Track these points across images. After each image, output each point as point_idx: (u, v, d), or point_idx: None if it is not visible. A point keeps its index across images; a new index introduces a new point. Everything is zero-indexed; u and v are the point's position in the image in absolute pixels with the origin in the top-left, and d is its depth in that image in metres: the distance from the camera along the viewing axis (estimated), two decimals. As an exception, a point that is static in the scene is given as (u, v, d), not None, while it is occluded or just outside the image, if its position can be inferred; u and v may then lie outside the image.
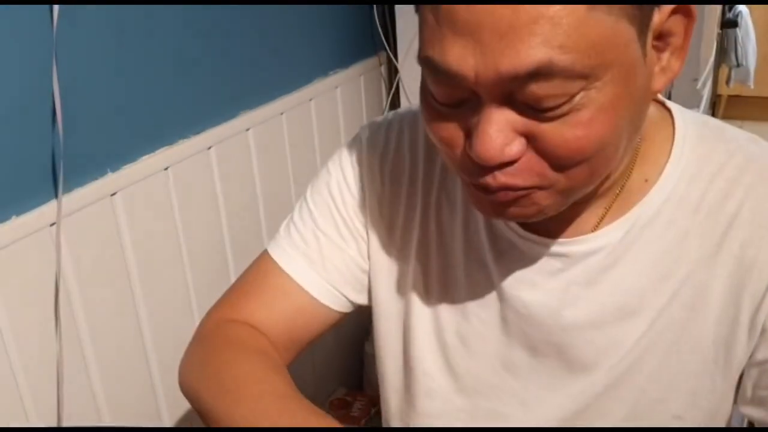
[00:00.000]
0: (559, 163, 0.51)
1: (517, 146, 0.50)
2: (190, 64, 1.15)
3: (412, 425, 0.76)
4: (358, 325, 1.75)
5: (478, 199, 0.57)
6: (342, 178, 0.74)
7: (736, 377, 0.63)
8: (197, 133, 1.18)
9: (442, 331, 0.70)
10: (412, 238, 0.72)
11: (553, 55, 0.46)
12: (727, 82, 2.92)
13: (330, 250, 0.73)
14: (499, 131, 0.49)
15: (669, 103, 0.66)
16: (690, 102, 1.57)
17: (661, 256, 0.62)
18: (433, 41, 0.50)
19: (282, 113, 1.37)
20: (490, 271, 0.67)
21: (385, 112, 1.76)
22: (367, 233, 0.73)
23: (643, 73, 0.52)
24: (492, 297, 0.67)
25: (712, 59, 1.77)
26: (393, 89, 1.68)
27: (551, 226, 0.64)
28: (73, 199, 0.96)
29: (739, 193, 0.60)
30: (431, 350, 0.71)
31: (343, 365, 1.78)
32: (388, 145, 0.73)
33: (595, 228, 0.63)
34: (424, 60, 0.51)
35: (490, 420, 0.70)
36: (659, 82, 0.54)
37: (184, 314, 1.18)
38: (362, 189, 0.73)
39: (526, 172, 0.52)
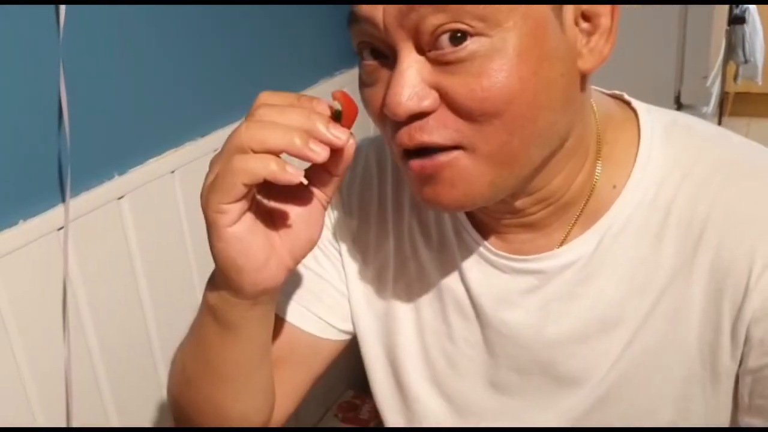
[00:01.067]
0: (470, 116, 0.51)
1: (427, 99, 0.51)
2: (195, 66, 1.15)
3: None
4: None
5: (410, 181, 0.57)
6: None
7: (728, 383, 0.60)
8: (203, 135, 1.17)
9: (430, 355, 0.69)
10: (388, 263, 0.71)
11: None
12: (735, 78, 2.90)
13: (310, 280, 0.72)
14: (408, 81, 0.51)
15: (635, 103, 0.64)
16: (700, 99, 1.56)
17: (637, 266, 0.60)
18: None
19: (287, 115, 1.36)
20: (469, 292, 0.66)
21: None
22: (342, 260, 0.73)
23: (557, 37, 0.52)
24: (473, 319, 0.66)
25: (720, 56, 1.75)
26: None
27: (522, 243, 0.63)
28: (80, 202, 0.96)
29: (710, 196, 0.58)
30: (421, 375, 0.70)
31: (350, 368, 1.77)
32: (355, 169, 0.73)
33: (566, 239, 0.62)
34: (348, 18, 0.55)
35: None
36: (588, 63, 0.55)
37: (191, 316, 1.18)
38: (333, 216, 0.73)
39: (440, 127, 0.52)
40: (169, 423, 1.15)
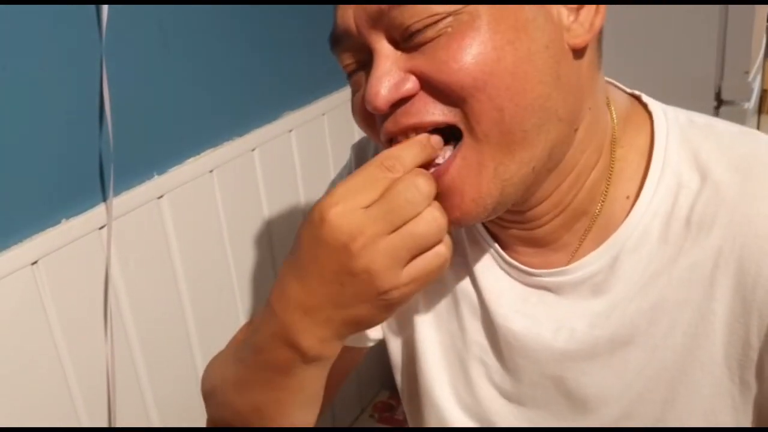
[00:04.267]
0: (451, 93, 0.50)
1: (406, 83, 0.51)
2: (233, 66, 1.16)
3: None
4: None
5: None
6: None
7: (761, 392, 0.56)
8: (241, 135, 1.18)
9: (449, 364, 0.68)
10: None
11: None
12: (776, 75, 2.83)
13: None
14: (382, 72, 0.51)
15: (651, 105, 0.60)
16: (741, 95, 1.53)
17: (653, 281, 0.57)
18: (333, 22, 0.55)
19: (324, 114, 1.37)
20: (481, 297, 0.64)
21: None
22: None
23: (534, 9, 0.51)
24: (486, 324, 0.65)
25: (762, 52, 1.71)
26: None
27: (533, 258, 0.61)
28: (121, 201, 0.97)
29: (730, 200, 0.54)
30: (441, 384, 0.69)
31: (386, 369, 1.76)
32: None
33: (577, 253, 0.59)
34: (330, 41, 0.56)
35: None
36: (578, 37, 0.53)
37: (229, 314, 1.19)
38: None
39: (423, 109, 0.51)
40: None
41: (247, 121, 1.20)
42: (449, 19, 0.49)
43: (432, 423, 0.71)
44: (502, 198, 0.53)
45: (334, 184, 0.74)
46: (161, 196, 1.03)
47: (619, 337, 0.58)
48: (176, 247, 1.06)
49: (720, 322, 0.55)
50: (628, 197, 0.58)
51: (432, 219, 0.48)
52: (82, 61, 0.91)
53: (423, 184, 0.48)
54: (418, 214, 0.48)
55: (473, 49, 0.49)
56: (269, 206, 1.25)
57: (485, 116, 0.50)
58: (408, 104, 0.51)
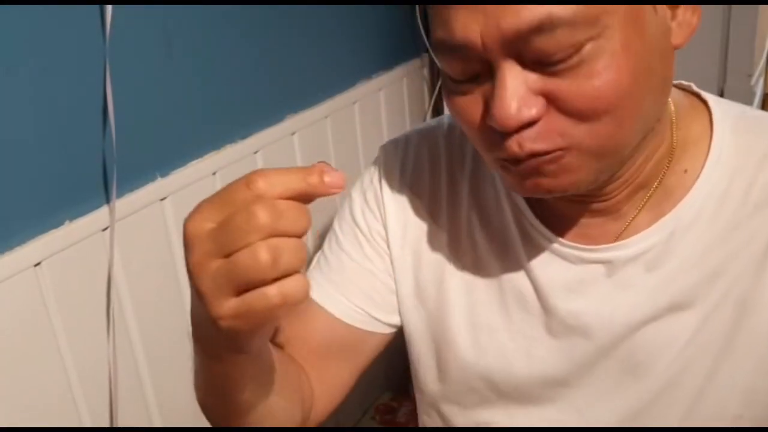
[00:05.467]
0: (581, 117, 0.50)
1: (535, 106, 0.50)
2: (236, 68, 1.16)
3: None
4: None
5: (510, 178, 0.56)
6: (364, 202, 0.73)
7: None
8: (244, 137, 1.19)
9: (482, 351, 0.68)
10: (442, 258, 0.70)
11: (553, 9, 0.47)
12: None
13: (354, 272, 0.72)
14: (515, 92, 0.50)
15: (705, 94, 0.64)
16: (743, 99, 1.52)
17: (709, 254, 0.59)
18: (439, 22, 0.52)
19: (326, 117, 1.37)
20: (532, 283, 0.65)
21: (428, 115, 1.76)
22: (391, 254, 0.72)
23: (654, 21, 0.51)
24: (537, 311, 0.65)
25: (765, 55, 1.71)
26: (436, 91, 1.67)
27: (588, 228, 0.63)
28: (124, 203, 0.97)
29: None
30: (474, 372, 0.69)
31: (388, 370, 1.77)
32: (406, 163, 0.72)
33: (632, 223, 0.61)
34: (436, 44, 0.53)
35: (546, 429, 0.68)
36: (679, 37, 0.54)
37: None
38: (383, 212, 0.72)
39: (550, 133, 0.51)
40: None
41: (249, 123, 1.20)
42: (588, 46, 0.49)
43: (454, 418, 0.71)
44: (595, 183, 0.56)
45: (359, 187, 0.74)
46: (164, 198, 1.04)
47: (672, 307, 0.60)
48: (179, 249, 1.06)
49: None
50: (686, 171, 0.60)
51: (253, 255, 0.41)
52: (85, 63, 0.91)
53: (262, 216, 0.41)
54: (248, 245, 0.42)
55: (610, 75, 0.49)
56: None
57: (603, 133, 0.52)
58: (533, 128, 0.51)
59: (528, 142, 0.51)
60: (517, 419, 0.69)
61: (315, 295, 0.72)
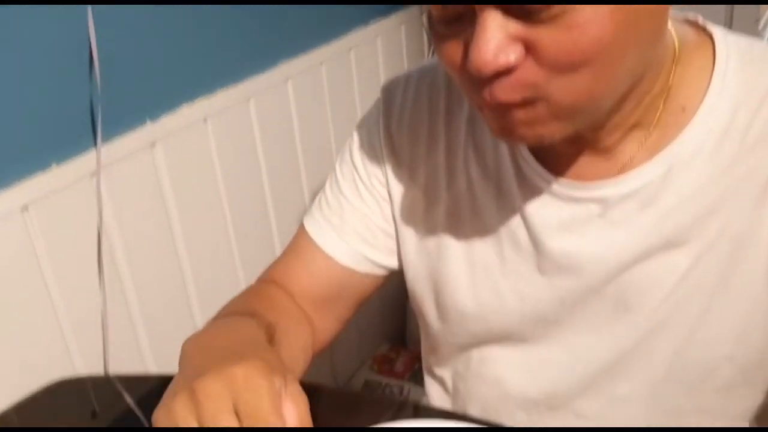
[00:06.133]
0: (557, 68, 0.48)
1: (513, 53, 0.48)
2: (228, 11, 1.13)
3: (464, 379, 0.74)
4: (401, 281, 1.74)
5: (489, 122, 0.55)
6: (362, 143, 0.73)
7: None
8: (236, 82, 1.16)
9: (478, 291, 0.68)
10: (439, 199, 0.69)
11: None
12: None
13: (352, 215, 0.73)
14: (492, 37, 0.48)
15: (711, 27, 0.61)
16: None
17: (707, 189, 0.58)
18: None
19: (321, 63, 1.34)
20: (525, 223, 0.65)
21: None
22: (390, 195, 0.72)
23: None
24: (529, 251, 0.65)
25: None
26: (435, 39, 1.63)
27: (584, 167, 0.61)
28: (113, 148, 0.95)
29: None
30: (470, 312, 0.69)
31: (385, 321, 1.77)
32: (405, 103, 0.71)
33: (629, 163, 0.60)
34: None
35: (538, 366, 0.68)
36: None
37: (225, 262, 1.19)
38: (381, 151, 0.72)
39: (523, 84, 0.49)
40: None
41: (242, 68, 1.17)
42: None
43: (454, 357, 0.72)
44: (570, 133, 0.54)
45: (361, 127, 0.74)
46: (154, 144, 1.02)
47: (666, 245, 0.60)
48: (171, 196, 1.05)
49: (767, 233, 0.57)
50: (684, 110, 0.58)
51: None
52: (70, 5, 0.88)
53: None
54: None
55: (593, 29, 0.47)
56: (266, 157, 1.24)
57: (580, 86, 0.50)
58: (508, 77, 0.49)
59: (498, 91, 0.50)
60: (509, 357, 0.69)
61: (316, 237, 0.73)
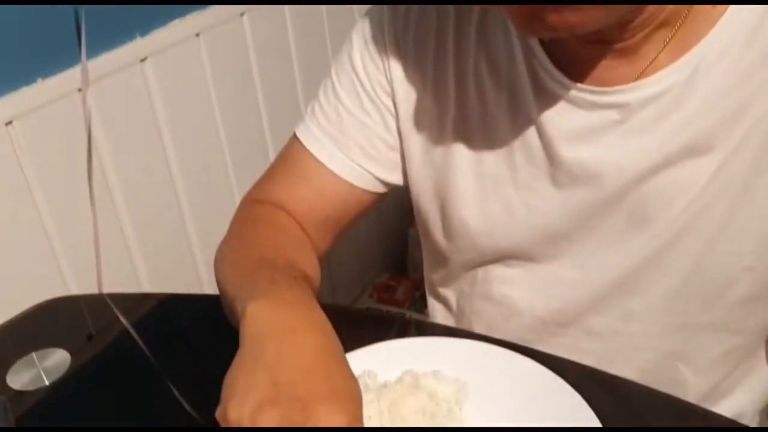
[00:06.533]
0: None
1: None
2: None
3: (469, 298, 0.72)
4: (401, 209, 1.72)
5: (513, 18, 0.51)
6: (364, 48, 0.67)
7: None
8: (230, -4, 1.11)
9: (487, 204, 0.65)
10: (447, 108, 0.65)
11: None
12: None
13: (352, 126, 0.68)
14: None
15: None
16: None
17: (734, 90, 0.55)
18: None
19: (318, -23, 1.28)
20: (539, 132, 0.61)
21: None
22: (395, 104, 0.67)
23: None
24: (542, 161, 0.62)
25: None
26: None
27: (604, 72, 0.57)
28: (101, 63, 0.91)
29: None
30: (477, 228, 0.66)
31: (386, 250, 1.76)
32: (411, 6, 0.66)
33: (651, 65, 0.56)
34: None
35: (547, 284, 0.66)
36: None
37: (219, 178, 1.16)
38: (386, 58, 0.67)
39: None
40: (201, 285, 1.14)
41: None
42: None
43: (459, 276, 0.70)
44: (599, 25, 0.50)
45: (361, 31, 0.69)
46: (145, 59, 0.97)
47: (688, 151, 0.57)
48: (162, 112, 1.02)
49: None
50: (713, 6, 0.55)
51: None
52: None
53: None
54: None
55: None
56: (260, 72, 1.20)
57: None
58: None
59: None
60: (517, 276, 0.67)
61: (315, 151, 0.69)
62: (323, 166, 0.68)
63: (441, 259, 0.73)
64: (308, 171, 0.69)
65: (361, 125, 0.68)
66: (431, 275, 0.78)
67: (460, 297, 0.74)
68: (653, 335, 0.63)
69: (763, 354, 0.68)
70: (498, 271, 0.68)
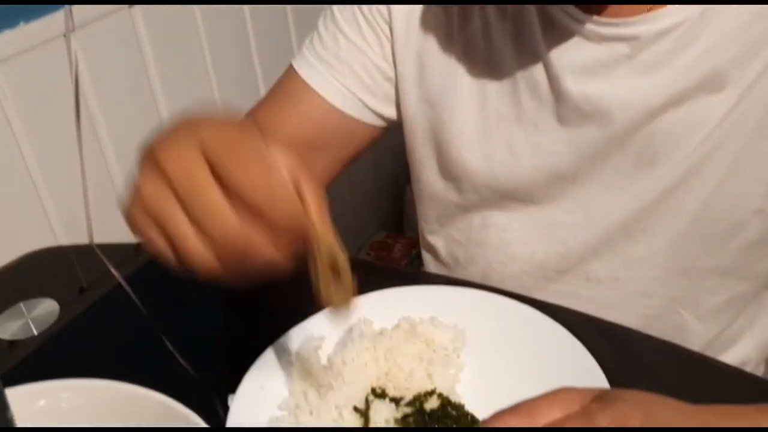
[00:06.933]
0: None
1: None
2: None
3: (464, 245, 0.70)
4: (398, 167, 1.70)
5: None
6: None
7: None
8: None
9: (490, 142, 0.63)
10: (451, 42, 0.63)
11: None
12: None
13: (349, 53, 0.66)
14: None
15: None
16: None
17: (749, 26, 0.52)
18: None
19: None
20: (545, 66, 0.58)
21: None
22: (392, 32, 0.65)
23: None
24: (548, 98, 0.59)
25: None
26: None
27: (615, 5, 0.55)
28: (87, 7, 0.88)
29: None
30: (478, 167, 0.64)
31: (383, 208, 1.74)
32: None
33: None
34: None
35: (548, 229, 0.64)
36: None
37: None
38: None
39: None
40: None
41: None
42: None
43: (453, 222, 0.68)
44: None
45: None
46: (132, 5, 0.94)
47: (701, 87, 0.54)
48: (152, 61, 0.99)
49: None
50: None
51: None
52: None
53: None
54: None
55: None
56: (252, 15, 1.17)
57: None
58: None
59: None
60: (515, 220, 0.65)
61: (307, 76, 0.66)
62: (313, 90, 0.66)
63: (434, 204, 0.70)
64: (296, 95, 0.67)
65: (359, 51, 0.66)
66: (423, 223, 0.76)
67: (453, 245, 0.72)
68: (656, 280, 0.62)
69: None
70: (495, 216, 0.66)
